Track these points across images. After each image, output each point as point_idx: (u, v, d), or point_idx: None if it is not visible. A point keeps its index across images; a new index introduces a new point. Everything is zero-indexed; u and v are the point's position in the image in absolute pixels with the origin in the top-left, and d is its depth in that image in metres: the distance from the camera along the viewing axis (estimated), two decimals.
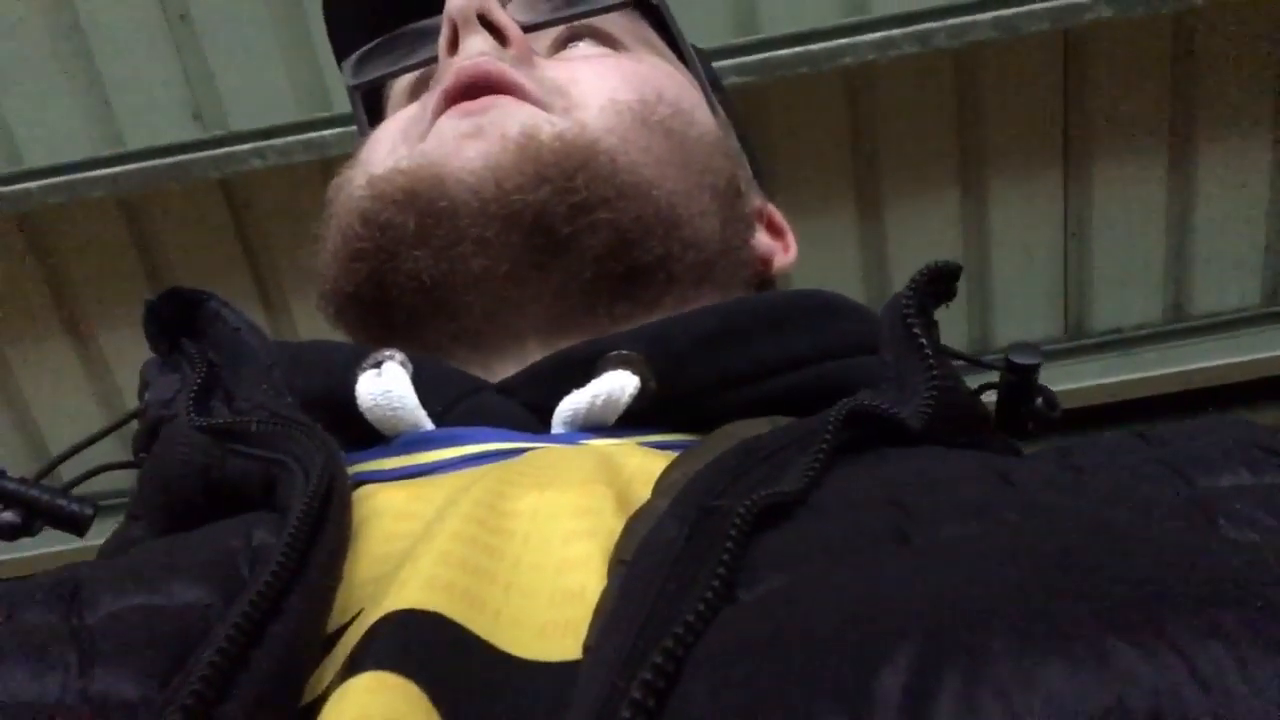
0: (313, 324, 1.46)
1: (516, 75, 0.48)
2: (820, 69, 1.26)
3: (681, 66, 0.58)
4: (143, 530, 0.41)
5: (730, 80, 1.25)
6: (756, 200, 0.58)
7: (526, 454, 0.37)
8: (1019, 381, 0.41)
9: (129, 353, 1.49)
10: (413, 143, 0.49)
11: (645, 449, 0.37)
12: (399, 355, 0.43)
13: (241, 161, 1.31)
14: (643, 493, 0.32)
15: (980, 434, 0.40)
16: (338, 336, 0.52)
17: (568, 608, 0.26)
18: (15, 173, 1.33)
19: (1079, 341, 1.50)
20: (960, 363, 0.44)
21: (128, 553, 0.34)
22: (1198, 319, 1.49)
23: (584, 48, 0.55)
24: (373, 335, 0.49)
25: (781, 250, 0.58)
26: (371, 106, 0.62)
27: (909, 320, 0.40)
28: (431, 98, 0.49)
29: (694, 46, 0.61)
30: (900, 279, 1.45)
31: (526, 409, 0.42)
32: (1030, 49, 1.34)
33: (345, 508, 0.30)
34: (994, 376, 0.47)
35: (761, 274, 0.56)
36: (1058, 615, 0.20)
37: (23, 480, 0.44)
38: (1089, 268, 1.47)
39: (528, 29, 0.53)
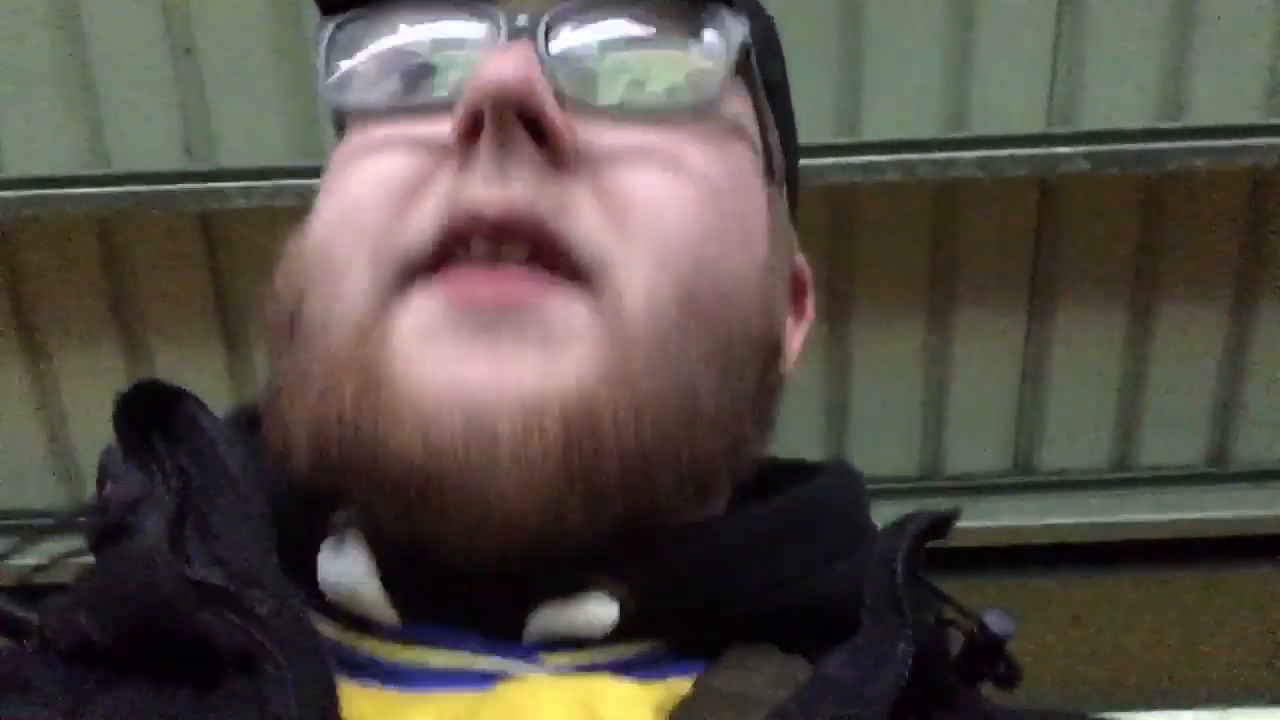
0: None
1: (560, 229, 0.38)
2: (807, 185, 1.29)
3: (747, 157, 0.46)
4: (88, 622, 0.37)
5: None
6: (789, 259, 0.50)
7: (500, 689, 0.35)
8: (988, 646, 0.42)
9: (81, 375, 1.47)
10: (402, 276, 0.38)
11: (620, 682, 0.36)
12: (354, 530, 0.39)
13: (225, 199, 1.31)
14: None
15: (946, 689, 0.40)
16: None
17: None
18: None
19: (1025, 478, 1.52)
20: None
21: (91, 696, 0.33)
22: (1141, 471, 1.52)
23: (629, 135, 0.41)
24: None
25: (797, 322, 0.52)
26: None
27: (894, 580, 0.37)
28: (438, 207, 0.38)
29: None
30: (860, 391, 1.47)
31: (499, 614, 0.38)
32: (1009, 192, 1.38)
33: None
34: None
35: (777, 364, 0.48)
36: None
37: None
38: (1042, 409, 1.50)
39: (570, 107, 0.39)
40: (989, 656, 0.41)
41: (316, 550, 0.39)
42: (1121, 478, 1.52)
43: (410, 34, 0.42)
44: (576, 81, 0.40)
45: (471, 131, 0.38)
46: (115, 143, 1.34)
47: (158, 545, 0.36)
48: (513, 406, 0.35)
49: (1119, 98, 1.34)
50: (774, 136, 0.48)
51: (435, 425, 0.34)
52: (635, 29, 0.42)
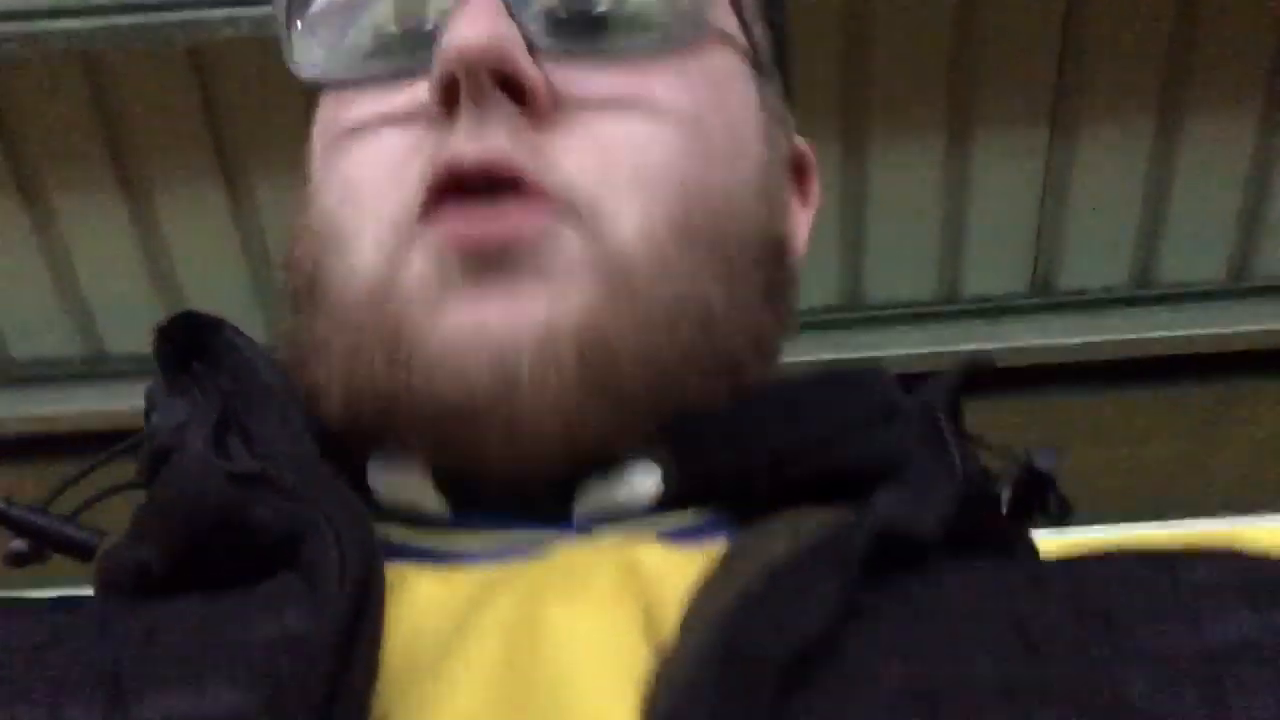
0: (276, 204, 1.43)
1: (539, 177, 0.38)
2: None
3: (733, 54, 0.46)
4: (146, 554, 0.39)
5: None
6: (787, 147, 0.49)
7: (551, 556, 0.36)
8: (1035, 484, 0.42)
9: (81, 217, 1.45)
10: (405, 235, 0.39)
11: (665, 547, 0.37)
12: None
13: (213, 28, 1.26)
14: (665, 605, 0.32)
15: (992, 521, 0.41)
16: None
17: None
18: None
19: (1045, 299, 1.51)
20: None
21: (161, 632, 0.33)
22: (1161, 288, 1.51)
23: (608, 80, 0.41)
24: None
25: (803, 207, 0.51)
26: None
27: (937, 420, 0.39)
28: (425, 167, 0.39)
29: None
30: (877, 217, 1.45)
31: (547, 495, 0.39)
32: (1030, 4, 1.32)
33: (380, 597, 0.30)
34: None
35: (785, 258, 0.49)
36: None
37: (31, 508, 0.42)
38: (1062, 227, 1.48)
39: (541, 55, 0.40)
40: (1037, 492, 0.41)
41: (363, 465, 0.40)
42: (1142, 295, 1.51)
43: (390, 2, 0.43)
44: (548, 28, 0.40)
45: (449, 98, 0.38)
46: None
47: (201, 452, 0.37)
48: (529, 342, 0.36)
49: None
50: (756, 20, 0.47)
51: (463, 372, 0.36)
52: None
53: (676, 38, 0.42)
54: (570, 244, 0.38)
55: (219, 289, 1.47)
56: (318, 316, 0.41)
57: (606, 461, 0.39)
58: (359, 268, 0.40)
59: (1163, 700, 0.27)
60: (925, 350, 1.44)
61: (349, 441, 0.40)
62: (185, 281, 1.47)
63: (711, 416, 0.40)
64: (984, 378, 0.43)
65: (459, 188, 0.38)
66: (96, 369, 1.54)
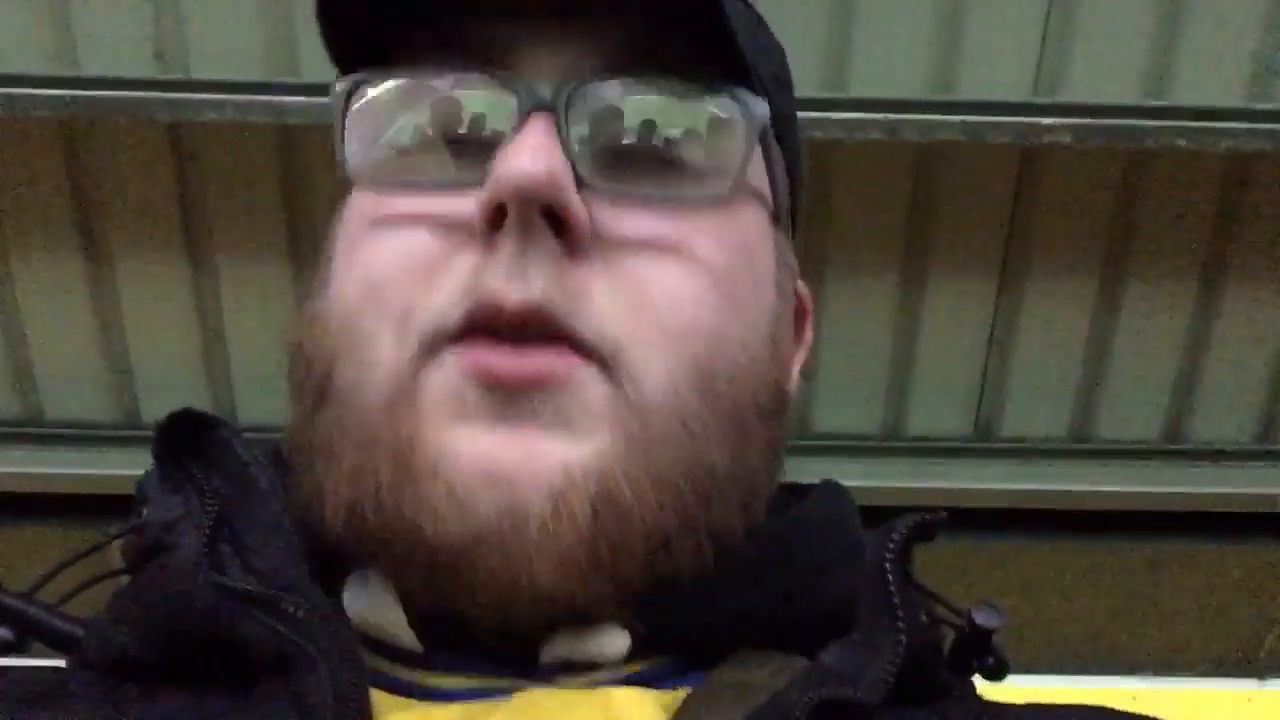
0: (236, 284, 1.43)
1: (575, 322, 0.38)
2: None
3: (761, 209, 0.47)
4: (128, 641, 0.39)
5: None
6: (792, 292, 0.50)
7: (516, 698, 0.38)
8: (976, 639, 0.43)
9: (43, 284, 1.44)
10: (427, 353, 0.39)
11: (631, 691, 0.38)
12: (378, 575, 0.41)
13: (196, 110, 1.28)
14: None
15: (939, 685, 0.42)
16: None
17: None
18: None
19: (985, 444, 1.54)
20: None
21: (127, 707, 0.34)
22: (1100, 443, 1.54)
23: (644, 222, 0.41)
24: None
25: (798, 346, 0.52)
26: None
27: (888, 579, 0.39)
28: (461, 298, 0.39)
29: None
30: (828, 353, 1.48)
31: (515, 642, 0.40)
32: (990, 158, 1.39)
33: None
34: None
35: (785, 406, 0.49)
36: None
37: (19, 595, 0.42)
38: (1006, 376, 1.51)
39: (589, 190, 0.40)
40: (978, 648, 0.43)
41: (340, 582, 0.41)
42: (1079, 449, 1.54)
43: (432, 105, 0.42)
44: (596, 164, 0.41)
45: (497, 221, 0.38)
46: (86, 45, 1.30)
47: (194, 557, 0.38)
48: (542, 489, 0.36)
49: (1105, 72, 1.34)
50: (781, 175, 0.48)
51: (470, 508, 0.36)
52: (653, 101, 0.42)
53: (717, 191, 0.42)
54: (594, 392, 0.38)
55: (168, 361, 1.47)
56: (329, 419, 0.40)
57: (580, 618, 0.39)
58: (378, 369, 0.39)
59: None
60: (866, 484, 1.46)
61: (335, 551, 0.40)
62: (135, 350, 1.46)
63: (686, 583, 0.40)
64: (934, 531, 0.42)
65: (494, 324, 0.38)
66: (34, 431, 1.51)
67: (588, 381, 0.38)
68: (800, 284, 0.52)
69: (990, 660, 0.43)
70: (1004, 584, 1.50)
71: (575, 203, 0.38)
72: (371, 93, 0.43)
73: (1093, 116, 1.31)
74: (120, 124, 1.32)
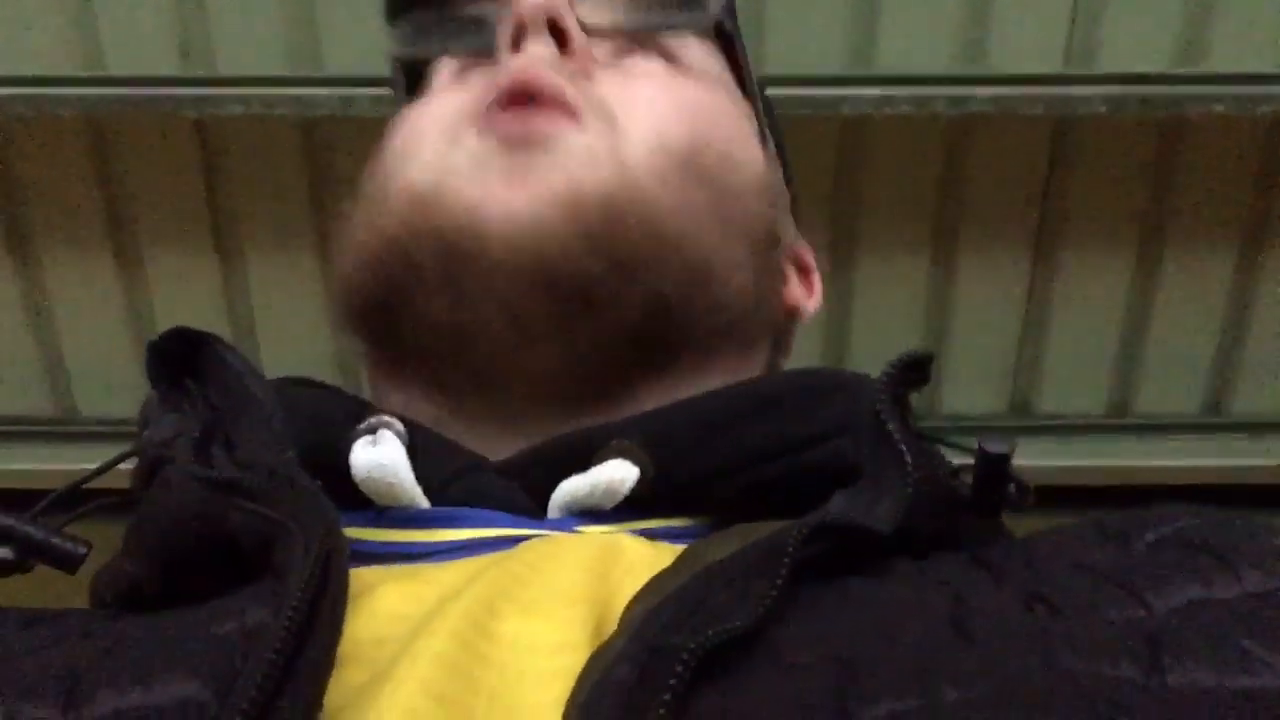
0: (265, 279, 1.44)
1: (571, 92, 0.46)
2: (817, 113, 1.27)
3: (739, 94, 0.56)
4: (136, 567, 0.40)
5: None
6: (789, 240, 0.56)
7: (522, 546, 0.37)
8: (991, 469, 0.42)
9: (72, 281, 1.45)
10: (454, 141, 0.46)
11: (639, 540, 0.38)
12: (396, 424, 0.42)
13: (222, 105, 1.28)
14: (622, 606, 0.32)
15: (957, 517, 0.41)
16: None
17: None
18: None
19: (1021, 422, 1.52)
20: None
21: (126, 636, 0.33)
22: (1139, 417, 1.52)
23: (642, 60, 0.53)
24: (378, 357, 0.49)
25: (807, 295, 0.57)
26: (408, 72, 0.60)
27: (880, 414, 0.40)
28: (484, 95, 0.47)
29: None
30: (861, 331, 1.47)
31: (524, 491, 0.41)
32: (1022, 131, 1.36)
33: (342, 593, 0.31)
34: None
35: (785, 325, 0.56)
36: None
37: (18, 516, 0.42)
38: (1042, 352, 1.50)
39: (592, 33, 0.51)
40: (995, 477, 0.41)
41: (349, 448, 0.42)
42: (1116, 423, 1.52)
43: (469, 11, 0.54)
44: (595, 10, 0.51)
45: (515, 42, 0.48)
46: (110, 44, 1.31)
47: (184, 463, 0.39)
48: (543, 194, 0.43)
49: (1139, 40, 1.31)
50: (770, 137, 0.57)
51: (481, 209, 0.43)
52: None
53: (700, 20, 0.54)
54: (594, 142, 0.45)
55: None
56: (374, 192, 0.48)
57: (584, 453, 0.41)
58: (416, 151, 0.47)
59: (1099, 671, 0.27)
60: None
61: (344, 414, 0.44)
62: None
63: (689, 405, 0.43)
64: (924, 371, 0.45)
65: (510, 102, 0.46)
66: (68, 430, 1.52)
67: (588, 132, 0.45)
68: (803, 242, 0.58)
69: (1011, 488, 0.42)
70: None
71: (573, 21, 0.49)
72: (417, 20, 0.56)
73: (1127, 85, 1.28)
74: (146, 121, 1.32)
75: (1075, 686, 0.27)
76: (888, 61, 1.31)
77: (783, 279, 0.54)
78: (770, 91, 1.30)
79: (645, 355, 0.45)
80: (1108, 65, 1.31)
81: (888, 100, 1.28)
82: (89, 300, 1.46)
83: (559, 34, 0.48)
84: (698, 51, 0.55)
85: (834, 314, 1.47)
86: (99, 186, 1.40)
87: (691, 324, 0.46)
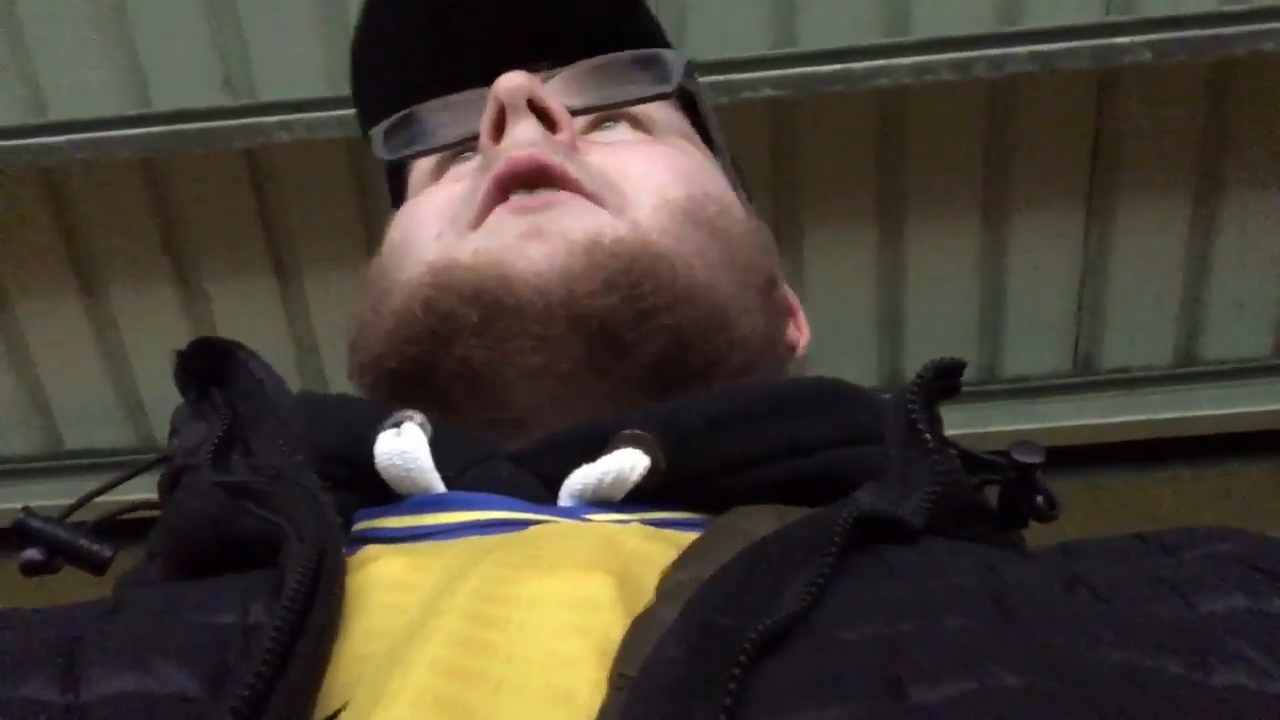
0: (323, 296, 1.46)
1: (571, 168, 0.48)
2: (855, 88, 1.26)
3: (709, 150, 0.59)
4: (158, 572, 0.42)
5: (764, 94, 1.25)
6: (775, 263, 0.58)
7: (531, 529, 0.38)
8: (1020, 478, 0.42)
9: (138, 315, 1.49)
10: (462, 229, 0.48)
11: (647, 529, 0.38)
12: (419, 417, 0.43)
13: (267, 134, 1.30)
14: (641, 579, 0.33)
15: (980, 527, 0.41)
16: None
17: (557, 710, 0.27)
18: (40, 125, 1.32)
19: (1087, 377, 1.50)
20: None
21: (126, 609, 0.34)
22: (1208, 365, 1.49)
23: (622, 131, 0.55)
24: (401, 403, 0.50)
25: (799, 334, 0.60)
26: (391, 174, 0.63)
27: (913, 414, 0.41)
28: (480, 183, 0.49)
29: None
30: (915, 300, 1.46)
31: (537, 479, 0.42)
32: (1066, 86, 1.34)
33: (336, 582, 0.31)
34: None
35: (788, 362, 0.58)
36: None
37: (48, 519, 0.44)
38: (1103, 307, 1.48)
39: (573, 113, 0.52)
40: (1024, 487, 0.42)
41: (374, 441, 0.43)
42: (1185, 373, 1.49)
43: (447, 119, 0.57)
44: (567, 91, 0.54)
45: (498, 127, 0.50)
46: (156, 81, 1.33)
47: (204, 469, 0.40)
48: (563, 246, 0.45)
49: None
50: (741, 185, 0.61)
51: (506, 261, 0.45)
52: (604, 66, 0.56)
53: (662, 88, 0.56)
54: (603, 207, 0.47)
55: None
56: (383, 285, 0.50)
57: (598, 446, 0.41)
58: (422, 241, 0.49)
59: (1144, 664, 0.27)
60: (965, 431, 1.44)
61: (375, 407, 0.45)
62: None
63: (702, 404, 0.43)
64: (955, 381, 0.44)
65: (509, 188, 0.48)
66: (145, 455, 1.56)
67: (594, 206, 0.47)
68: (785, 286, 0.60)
69: (1039, 500, 0.42)
70: (1124, 519, 1.47)
71: (553, 99, 0.51)
72: (399, 134, 0.58)
73: (1172, 30, 1.25)
74: (197, 155, 1.35)
75: (1125, 677, 0.27)
76: (924, 27, 1.30)
77: (785, 320, 0.57)
78: (806, 69, 1.29)
79: (669, 388, 0.47)
80: (1150, 9, 1.28)
81: (927, 67, 1.26)
82: (155, 331, 1.49)
83: (542, 114, 0.50)
84: (662, 112, 0.58)
85: (886, 285, 1.46)
86: (156, 219, 1.43)
87: (711, 365, 0.47)
